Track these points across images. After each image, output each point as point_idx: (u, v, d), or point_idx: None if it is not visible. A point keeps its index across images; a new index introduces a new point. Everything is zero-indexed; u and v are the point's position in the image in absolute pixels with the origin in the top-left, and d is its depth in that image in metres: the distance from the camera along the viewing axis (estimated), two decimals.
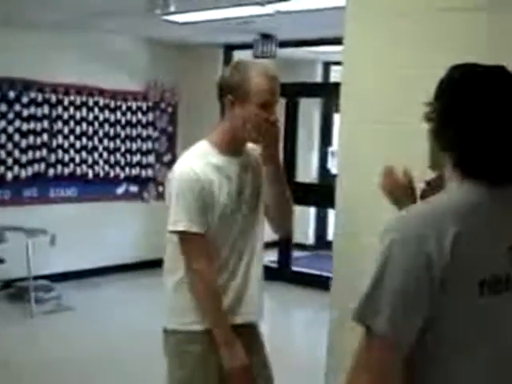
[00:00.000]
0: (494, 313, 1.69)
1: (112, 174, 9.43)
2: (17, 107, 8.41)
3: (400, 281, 1.62)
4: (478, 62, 1.78)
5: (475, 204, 1.71)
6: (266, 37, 8.54)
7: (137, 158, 9.74)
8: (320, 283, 7.38)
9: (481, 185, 1.73)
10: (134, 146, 9.70)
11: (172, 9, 6.50)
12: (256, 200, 3.11)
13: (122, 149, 9.53)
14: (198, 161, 3.02)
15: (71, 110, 8.92)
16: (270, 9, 6.80)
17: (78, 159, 9.02)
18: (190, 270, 2.98)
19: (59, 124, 8.82)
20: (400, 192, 2.53)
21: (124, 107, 9.50)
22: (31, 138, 8.55)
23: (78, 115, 8.99)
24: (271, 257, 9.32)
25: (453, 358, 1.67)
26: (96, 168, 9.22)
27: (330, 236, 3.32)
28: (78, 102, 8.97)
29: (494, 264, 1.69)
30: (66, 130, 8.88)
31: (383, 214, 2.04)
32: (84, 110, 9.06)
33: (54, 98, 8.74)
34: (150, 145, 9.89)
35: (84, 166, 9.07)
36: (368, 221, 3.11)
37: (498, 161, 1.73)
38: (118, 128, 9.46)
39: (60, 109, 8.82)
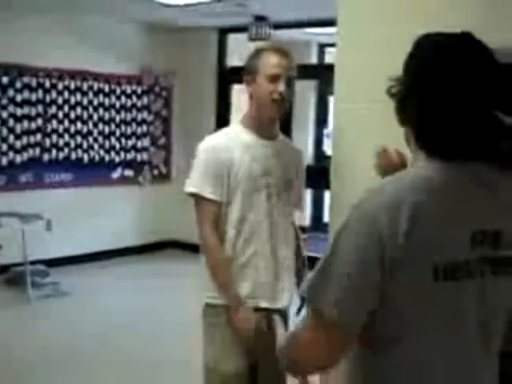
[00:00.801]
0: (450, 299, 1.60)
1: (107, 158, 9.42)
2: (10, 92, 8.37)
3: (350, 262, 1.57)
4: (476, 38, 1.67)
5: (437, 183, 1.61)
6: (260, 19, 8.51)
7: (132, 141, 9.73)
8: None
9: (444, 164, 1.63)
10: (129, 130, 9.68)
11: None
12: (285, 186, 3.22)
13: (117, 133, 9.51)
14: (224, 135, 3.22)
15: (65, 94, 8.89)
16: None
17: (72, 144, 9.01)
18: (199, 233, 3.16)
19: (53, 109, 8.79)
20: (394, 172, 2.49)
21: (118, 91, 9.47)
22: (25, 123, 8.53)
23: (72, 100, 8.97)
24: None
25: (404, 339, 1.61)
26: (91, 152, 9.20)
27: (327, 218, 3.34)
28: (72, 87, 8.94)
29: (452, 249, 1.59)
30: (60, 115, 8.85)
31: None
32: (78, 95, 9.04)
33: (47, 83, 8.70)
34: (144, 128, 9.87)
35: (79, 151, 9.05)
36: None
37: (463, 139, 1.62)
38: (113, 112, 9.44)
39: (54, 93, 8.79)
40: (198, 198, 3.13)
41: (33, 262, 7.83)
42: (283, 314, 3.25)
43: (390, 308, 1.59)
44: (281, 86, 3.08)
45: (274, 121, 3.22)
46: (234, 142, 3.13)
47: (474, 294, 1.63)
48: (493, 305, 1.67)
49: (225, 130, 3.31)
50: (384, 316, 1.60)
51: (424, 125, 1.67)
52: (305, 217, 3.38)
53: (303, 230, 3.59)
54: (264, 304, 3.16)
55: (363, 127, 3.14)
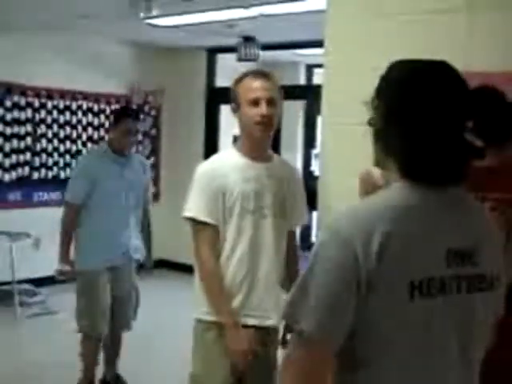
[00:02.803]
0: (426, 317, 1.62)
1: None
2: (0, 111, 8.39)
3: (326, 284, 1.59)
4: (455, 63, 1.72)
5: (410, 206, 1.65)
6: (249, 40, 8.57)
7: None
8: None
9: (419, 186, 1.67)
10: None
11: (155, 12, 6.51)
12: (280, 207, 3.26)
13: None
14: (219, 160, 3.31)
15: (55, 113, 8.92)
16: (253, 12, 6.83)
17: (61, 163, 9.02)
18: (195, 257, 3.21)
19: (43, 128, 8.81)
20: None
21: (107, 110, 9.48)
22: (15, 142, 8.54)
23: (61, 119, 8.99)
24: None
25: (382, 361, 1.63)
26: None
27: (314, 238, 3.35)
28: (61, 106, 8.97)
29: (427, 267, 1.62)
30: (49, 134, 8.88)
31: None
32: (67, 114, 9.06)
33: (37, 102, 8.73)
34: (133, 148, 9.85)
35: (68, 170, 9.03)
36: None
37: (438, 163, 1.66)
38: (102, 131, 9.44)
39: (43, 113, 8.81)
40: (194, 222, 3.20)
41: (21, 281, 7.80)
42: (273, 332, 3.32)
43: (366, 329, 1.61)
44: (263, 109, 3.14)
45: (264, 143, 3.27)
46: (228, 167, 3.20)
47: (451, 310, 1.66)
48: (471, 320, 1.70)
49: (220, 155, 3.42)
50: (361, 337, 1.62)
51: (398, 150, 1.70)
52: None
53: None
54: (253, 322, 3.21)
55: (349, 148, 3.18)
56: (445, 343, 1.67)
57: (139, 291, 5.34)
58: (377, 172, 2.62)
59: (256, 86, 3.16)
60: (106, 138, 9.17)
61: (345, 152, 3.21)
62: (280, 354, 3.24)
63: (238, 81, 3.24)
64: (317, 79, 10.91)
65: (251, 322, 3.20)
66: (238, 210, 3.15)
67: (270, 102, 3.16)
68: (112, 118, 5.43)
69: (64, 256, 5.05)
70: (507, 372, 2.54)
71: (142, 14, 6.60)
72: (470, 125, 1.69)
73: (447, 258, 1.65)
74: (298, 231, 3.61)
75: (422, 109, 1.65)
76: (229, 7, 6.67)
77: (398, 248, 1.59)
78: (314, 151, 10.89)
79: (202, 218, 3.17)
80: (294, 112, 10.82)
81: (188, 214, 3.21)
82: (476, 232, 1.74)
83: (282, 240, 3.33)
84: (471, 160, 1.71)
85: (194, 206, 3.19)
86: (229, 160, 3.25)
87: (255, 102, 3.14)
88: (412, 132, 1.66)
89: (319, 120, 11.03)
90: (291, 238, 3.45)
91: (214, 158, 3.36)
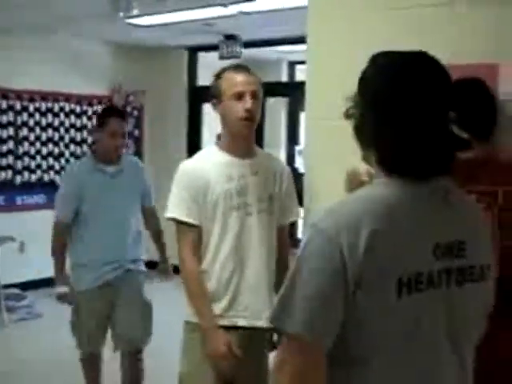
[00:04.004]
0: (416, 313, 1.62)
1: None
2: None
3: (313, 283, 1.57)
4: (439, 56, 1.71)
5: (396, 201, 1.64)
6: (231, 38, 8.55)
7: None
8: None
9: (405, 181, 1.66)
10: None
11: (135, 12, 6.48)
12: (266, 204, 3.21)
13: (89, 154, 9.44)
14: (199, 158, 3.26)
15: (37, 116, 8.87)
16: (232, 10, 6.81)
17: (44, 165, 8.97)
18: (178, 257, 3.17)
19: (25, 131, 8.76)
20: None
21: (90, 112, 9.44)
22: None
23: (43, 121, 8.94)
24: None
25: (374, 359, 1.62)
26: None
27: (299, 235, 3.32)
28: (43, 108, 8.92)
29: (415, 263, 1.61)
30: (32, 137, 8.83)
31: None
32: (50, 116, 9.01)
33: (18, 105, 8.67)
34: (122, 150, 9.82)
35: (51, 173, 9.01)
36: None
37: (421, 157, 1.65)
38: (85, 133, 9.40)
39: (25, 115, 8.75)
40: (177, 223, 3.17)
41: (7, 286, 7.75)
42: (264, 332, 3.25)
43: (356, 327, 1.59)
44: (247, 103, 3.09)
45: (249, 138, 3.23)
46: (209, 165, 3.15)
47: (440, 305, 1.66)
48: (462, 313, 1.69)
49: (201, 153, 3.33)
50: (351, 335, 1.61)
51: (382, 144, 1.69)
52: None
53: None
54: (242, 322, 3.17)
55: (334, 144, 3.16)
56: (436, 339, 1.66)
57: (151, 305, 4.76)
58: (363, 169, 2.60)
59: (239, 80, 3.12)
60: (90, 140, 9.18)
61: (330, 148, 3.20)
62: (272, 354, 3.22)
63: (219, 75, 3.20)
64: (299, 76, 10.91)
65: (241, 322, 3.16)
66: (221, 209, 3.10)
67: (254, 96, 3.12)
68: (96, 120, 4.95)
69: (58, 277, 4.75)
70: (502, 371, 2.53)
71: (122, 14, 6.57)
72: (453, 116, 1.68)
73: (435, 252, 1.64)
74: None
75: (405, 100, 1.64)
76: (208, 6, 6.64)
77: (385, 245, 1.58)
78: (298, 148, 10.88)
79: (184, 218, 3.12)
80: (276, 109, 10.82)
81: (170, 214, 3.17)
82: (465, 225, 1.74)
83: (271, 237, 3.26)
84: (456, 152, 1.70)
85: (176, 207, 3.15)
86: (211, 158, 3.19)
87: (239, 96, 3.09)
88: (396, 125, 1.65)
89: (302, 117, 11.04)
90: (282, 234, 3.35)
91: (195, 157, 3.30)
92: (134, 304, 4.67)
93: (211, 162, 3.17)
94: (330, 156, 3.21)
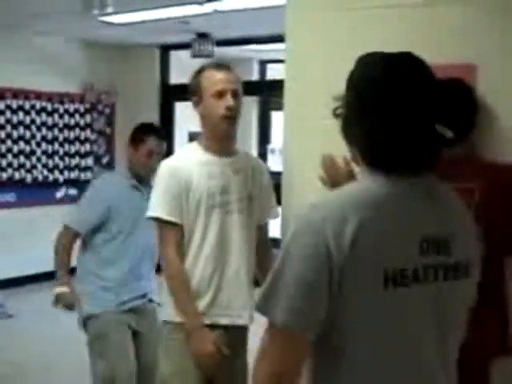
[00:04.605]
0: (401, 306, 1.64)
1: (51, 177, 9.32)
2: None
3: (297, 270, 1.59)
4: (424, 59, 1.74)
5: (383, 195, 1.66)
6: (203, 36, 8.56)
7: (75, 160, 9.64)
8: None
9: (391, 175, 1.68)
10: (73, 149, 9.60)
11: (109, 10, 6.47)
12: (246, 203, 3.21)
13: (61, 152, 9.43)
14: (181, 156, 3.24)
15: (7, 113, 8.79)
16: (208, 8, 6.82)
17: (15, 164, 8.90)
18: (161, 257, 3.18)
19: None
20: (343, 181, 2.50)
21: (61, 110, 9.39)
22: None
23: (14, 119, 8.87)
24: None
25: (359, 350, 1.64)
26: (34, 172, 9.09)
27: (274, 233, 3.29)
28: (14, 106, 8.85)
29: (400, 256, 1.63)
30: (2, 135, 8.75)
31: None
32: (21, 114, 8.94)
33: None
34: (88, 147, 9.81)
35: (22, 171, 8.94)
36: None
37: (407, 153, 1.68)
38: (56, 131, 9.35)
39: None
40: (159, 222, 3.14)
41: None
42: (245, 330, 3.27)
43: (342, 318, 1.61)
44: (229, 101, 3.09)
45: (230, 136, 3.23)
46: (191, 163, 3.13)
47: (427, 300, 1.68)
48: (448, 308, 1.72)
49: (182, 151, 3.32)
50: (337, 326, 1.62)
51: (370, 141, 1.71)
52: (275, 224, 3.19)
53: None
54: (224, 321, 3.15)
55: (313, 142, 3.17)
56: (421, 332, 1.69)
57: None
58: (340, 158, 2.63)
59: (220, 78, 3.11)
60: (61, 137, 9.12)
61: (309, 147, 3.21)
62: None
63: (199, 73, 3.18)
64: (270, 75, 10.94)
65: (222, 321, 3.14)
66: (204, 208, 3.09)
67: (235, 94, 3.12)
68: (131, 135, 4.44)
69: (60, 277, 4.48)
70: (480, 359, 2.57)
71: (96, 12, 6.55)
72: (436, 115, 1.72)
73: (421, 246, 1.66)
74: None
75: (391, 99, 1.67)
76: (183, 4, 6.65)
77: (370, 237, 1.59)
78: (270, 146, 10.91)
79: (166, 217, 3.09)
80: (247, 108, 10.81)
81: (152, 213, 3.14)
82: (450, 220, 1.76)
83: (251, 236, 3.26)
84: (441, 148, 1.74)
85: (158, 206, 3.12)
86: (192, 156, 3.17)
87: (220, 94, 3.08)
88: (384, 122, 1.68)
89: (273, 116, 11.05)
90: (261, 232, 3.36)
91: (177, 155, 3.29)
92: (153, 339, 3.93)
93: (193, 160, 3.15)
94: (308, 155, 3.22)
